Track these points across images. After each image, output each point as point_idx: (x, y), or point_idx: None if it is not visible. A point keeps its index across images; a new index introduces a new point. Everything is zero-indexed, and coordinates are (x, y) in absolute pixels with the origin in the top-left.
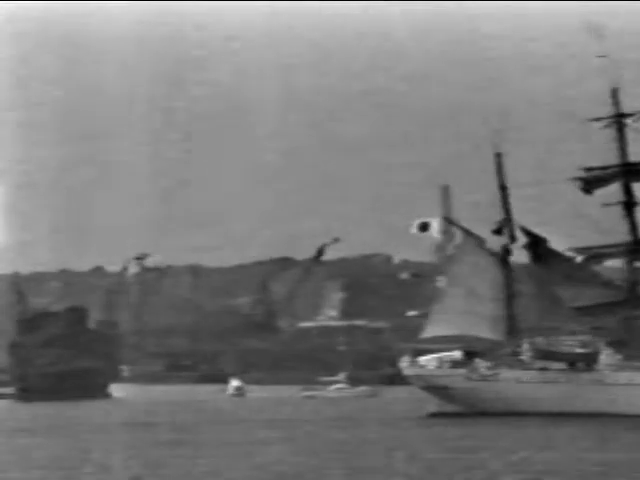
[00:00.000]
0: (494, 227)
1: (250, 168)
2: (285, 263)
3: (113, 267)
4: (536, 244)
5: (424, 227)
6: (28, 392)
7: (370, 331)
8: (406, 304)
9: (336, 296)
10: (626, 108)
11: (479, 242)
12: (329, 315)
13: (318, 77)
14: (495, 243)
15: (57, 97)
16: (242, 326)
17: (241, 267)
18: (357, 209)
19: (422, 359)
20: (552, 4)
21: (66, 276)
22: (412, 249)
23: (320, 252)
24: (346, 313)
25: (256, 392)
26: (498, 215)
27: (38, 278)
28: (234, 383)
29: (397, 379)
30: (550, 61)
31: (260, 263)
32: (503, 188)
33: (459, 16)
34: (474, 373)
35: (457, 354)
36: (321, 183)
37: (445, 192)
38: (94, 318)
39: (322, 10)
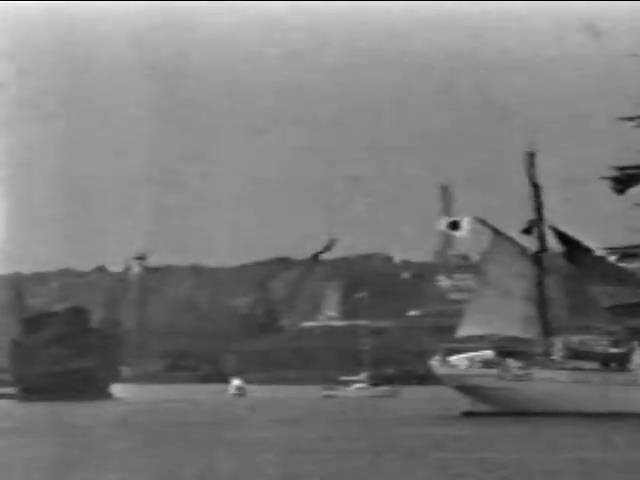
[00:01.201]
0: (524, 227)
1: (250, 167)
2: (285, 263)
3: (115, 267)
4: (568, 243)
5: (454, 226)
6: (29, 392)
7: (372, 331)
8: (406, 304)
9: (336, 296)
10: None
11: (510, 242)
12: (329, 315)
13: (319, 75)
14: (526, 242)
15: (57, 97)
16: (243, 326)
17: (242, 267)
18: (357, 209)
19: (453, 358)
20: (581, 3)
21: (67, 276)
22: (412, 249)
23: (320, 254)
24: (346, 313)
25: (257, 392)
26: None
27: (39, 278)
28: (235, 383)
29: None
30: (579, 59)
31: (260, 263)
32: (535, 187)
33: (474, 14)
34: (506, 373)
35: (489, 353)
36: (321, 183)
37: (445, 192)
38: (95, 318)
39: (322, 7)
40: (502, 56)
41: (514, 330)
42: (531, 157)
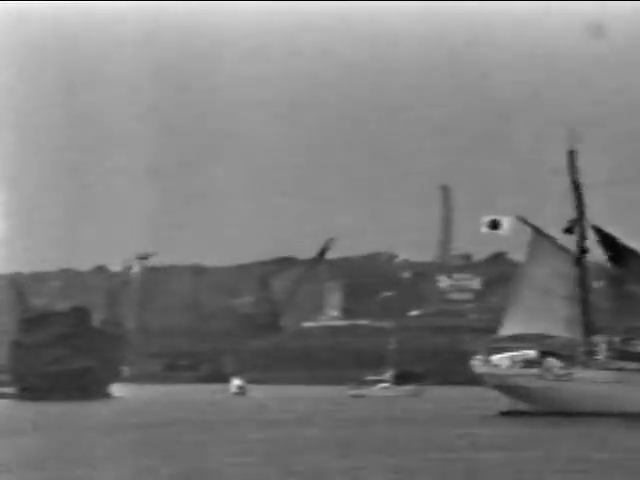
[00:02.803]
0: (565, 226)
1: (251, 168)
2: (286, 263)
3: (115, 267)
4: (611, 243)
5: (494, 225)
6: (28, 392)
7: (372, 331)
8: (407, 304)
9: (337, 296)
10: None
11: (552, 241)
12: (330, 315)
13: (320, 77)
14: (568, 242)
15: (58, 98)
16: (243, 326)
17: (242, 267)
18: (359, 208)
19: (495, 358)
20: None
21: (68, 275)
22: (413, 248)
23: (322, 253)
24: (347, 313)
25: (258, 392)
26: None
27: (40, 277)
28: (236, 382)
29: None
30: (620, 58)
31: (261, 263)
32: (576, 186)
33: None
34: (548, 372)
35: (531, 353)
36: (322, 182)
37: (445, 192)
38: (96, 318)
39: (323, 10)
40: (532, 55)
41: (557, 330)
42: (572, 155)
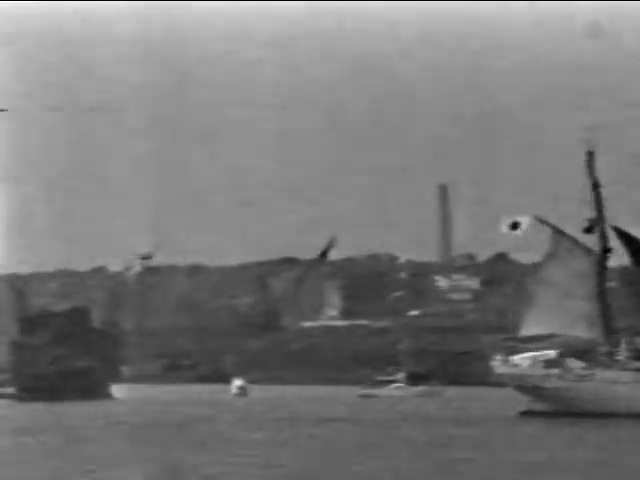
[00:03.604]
0: (585, 226)
1: (251, 168)
2: (286, 263)
3: (115, 267)
4: (630, 243)
5: (515, 226)
6: (28, 392)
7: (372, 331)
8: (407, 304)
9: (337, 296)
10: None
11: (572, 241)
12: (330, 315)
13: (319, 76)
14: (588, 242)
15: (57, 97)
16: (244, 326)
17: (242, 267)
18: (360, 209)
19: (515, 358)
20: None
21: (67, 276)
22: (413, 249)
23: (325, 253)
24: (347, 313)
25: (259, 392)
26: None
27: (39, 278)
28: (237, 382)
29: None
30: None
31: (261, 263)
32: (595, 186)
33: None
34: (568, 373)
35: (552, 353)
36: (323, 182)
37: (443, 191)
38: (95, 318)
39: (322, 9)
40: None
41: (577, 330)
42: (591, 155)
